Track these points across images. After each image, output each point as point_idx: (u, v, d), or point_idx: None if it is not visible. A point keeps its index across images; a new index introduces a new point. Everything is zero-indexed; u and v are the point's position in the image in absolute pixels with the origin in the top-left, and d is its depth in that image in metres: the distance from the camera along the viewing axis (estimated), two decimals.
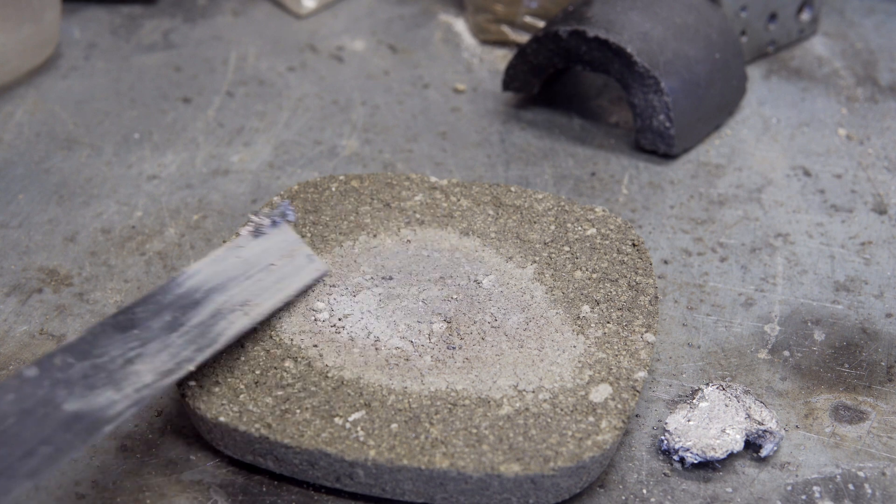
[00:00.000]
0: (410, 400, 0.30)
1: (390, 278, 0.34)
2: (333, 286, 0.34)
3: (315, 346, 0.32)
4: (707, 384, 0.32)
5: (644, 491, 0.31)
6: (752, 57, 0.51)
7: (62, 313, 0.37)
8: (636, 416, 0.33)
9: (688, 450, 0.31)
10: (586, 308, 0.33)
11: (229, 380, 0.31)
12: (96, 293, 0.38)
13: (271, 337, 0.32)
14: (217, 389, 0.30)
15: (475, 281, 0.34)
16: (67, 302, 0.37)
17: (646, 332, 0.32)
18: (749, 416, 0.31)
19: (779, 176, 0.44)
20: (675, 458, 0.31)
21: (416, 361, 0.32)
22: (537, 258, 0.35)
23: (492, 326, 0.33)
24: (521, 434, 0.29)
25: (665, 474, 0.31)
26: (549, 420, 0.29)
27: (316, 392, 0.30)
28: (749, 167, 0.45)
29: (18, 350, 0.35)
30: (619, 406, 0.30)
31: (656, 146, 0.44)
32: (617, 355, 0.32)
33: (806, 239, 0.41)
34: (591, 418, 0.29)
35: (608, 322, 0.33)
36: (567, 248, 0.36)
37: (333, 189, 0.38)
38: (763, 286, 0.39)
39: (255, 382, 0.31)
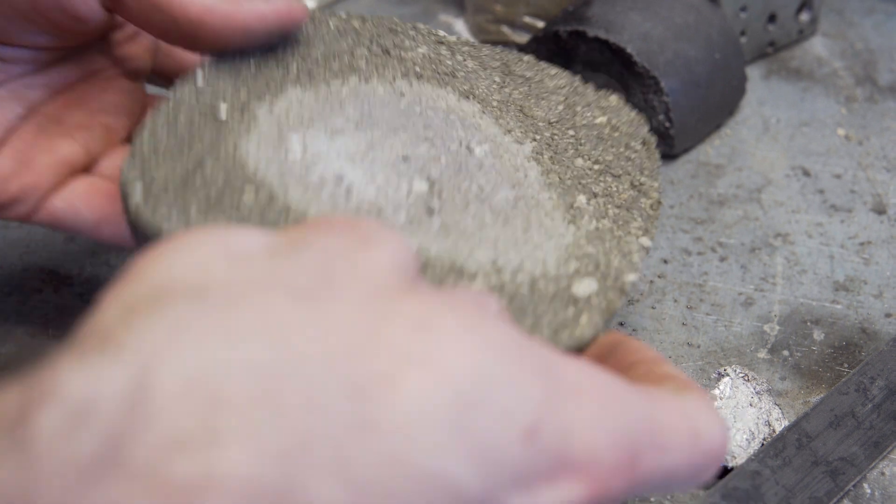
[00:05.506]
0: None
1: (375, 127, 0.30)
2: (313, 123, 0.30)
3: (280, 180, 0.28)
4: (730, 371, 0.32)
5: None
6: (751, 57, 0.51)
7: (62, 313, 0.37)
8: None
9: None
10: (582, 198, 0.30)
11: (182, 197, 0.28)
12: (96, 293, 0.38)
13: (235, 161, 0.28)
14: (165, 199, 0.27)
15: (467, 147, 0.31)
16: (67, 302, 0.37)
17: (642, 235, 0.29)
18: (769, 422, 0.31)
19: (778, 176, 0.44)
20: None
21: (390, 217, 0.28)
22: (538, 136, 0.32)
23: (477, 197, 0.29)
24: None
25: None
26: (524, 303, 0.26)
27: (275, 226, 0.27)
28: (749, 167, 0.45)
29: (18, 350, 0.35)
30: (604, 305, 0.27)
31: (656, 147, 0.44)
32: (608, 253, 0.29)
33: (805, 239, 0.41)
34: (570, 310, 0.26)
35: (603, 217, 0.30)
36: (572, 133, 0.32)
37: (332, 26, 0.33)
38: (763, 286, 0.38)
39: (209, 205, 0.27)
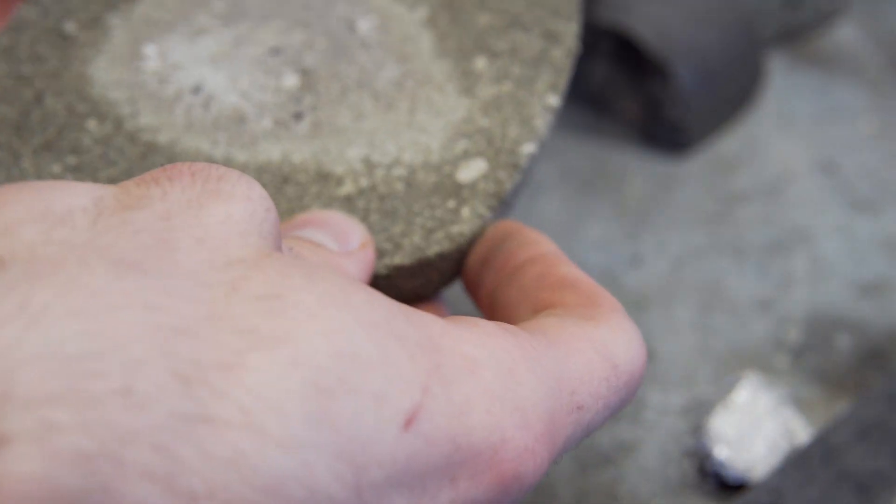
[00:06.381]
0: None
1: (245, 18, 0.27)
2: (173, 26, 0.27)
3: (131, 101, 0.26)
4: (748, 378, 0.31)
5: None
6: (772, 44, 0.49)
7: None
8: (649, 427, 0.31)
9: (728, 464, 0.29)
10: (481, 62, 0.26)
11: (14, 141, 0.25)
12: None
13: (80, 90, 0.26)
14: None
15: (350, 25, 0.27)
16: None
17: (548, 92, 0.26)
18: (790, 434, 0.29)
19: (800, 170, 0.42)
20: (711, 465, 0.29)
21: (252, 124, 0.25)
22: None
23: (357, 83, 0.26)
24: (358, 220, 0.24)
25: (679, 488, 0.29)
26: (397, 204, 0.24)
27: (116, 160, 0.25)
28: (768, 161, 0.43)
29: None
30: (491, 188, 0.24)
31: (668, 139, 0.43)
32: (504, 123, 0.25)
33: (829, 238, 0.39)
34: (451, 203, 0.23)
35: (505, 79, 0.26)
36: None
37: None
38: (782, 288, 0.37)
39: (45, 146, 0.24)
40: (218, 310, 0.13)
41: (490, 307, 0.22)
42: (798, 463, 0.29)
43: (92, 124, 0.25)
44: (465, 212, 0.23)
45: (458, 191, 0.24)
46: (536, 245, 0.21)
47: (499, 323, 0.17)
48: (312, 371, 0.13)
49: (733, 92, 0.44)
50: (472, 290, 0.23)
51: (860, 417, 0.30)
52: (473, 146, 0.25)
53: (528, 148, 0.24)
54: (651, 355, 0.34)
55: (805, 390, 0.33)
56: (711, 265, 0.38)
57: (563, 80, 0.26)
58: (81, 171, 0.24)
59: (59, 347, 0.12)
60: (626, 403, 0.18)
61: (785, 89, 0.47)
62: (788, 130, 0.45)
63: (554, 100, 0.26)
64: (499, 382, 0.15)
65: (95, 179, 0.24)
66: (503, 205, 0.24)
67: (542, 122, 0.25)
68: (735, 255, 0.38)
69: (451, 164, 0.24)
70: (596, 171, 0.42)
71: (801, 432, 0.30)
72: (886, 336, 0.35)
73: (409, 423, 0.14)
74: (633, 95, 0.46)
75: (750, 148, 0.44)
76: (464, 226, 0.23)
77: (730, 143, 0.44)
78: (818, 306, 0.36)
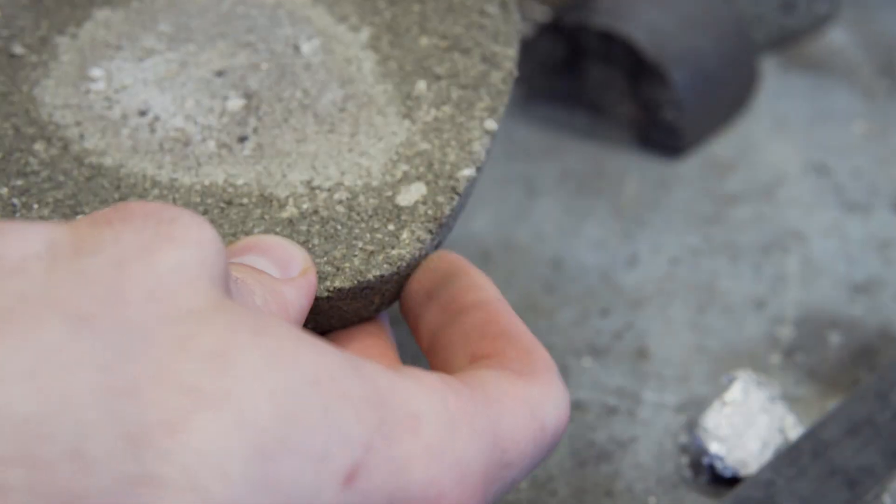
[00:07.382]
0: (176, 196, 0.25)
1: (191, 41, 0.28)
2: (120, 48, 0.28)
3: (78, 124, 0.26)
4: (742, 376, 0.31)
5: (653, 500, 0.29)
6: (765, 48, 0.49)
7: None
8: (644, 424, 0.32)
9: (721, 459, 0.29)
10: (422, 85, 0.27)
11: None
12: None
13: (28, 112, 0.26)
14: None
15: (294, 46, 0.28)
16: None
17: (488, 117, 0.26)
18: (782, 430, 0.30)
19: (793, 172, 0.43)
20: (706, 460, 0.30)
21: (197, 147, 0.26)
22: (377, 19, 0.29)
23: (301, 105, 0.27)
24: (300, 244, 0.24)
25: (674, 484, 0.30)
26: (338, 227, 0.24)
27: (64, 183, 0.25)
28: (762, 163, 0.43)
29: None
30: (430, 212, 0.24)
31: (664, 142, 0.43)
32: (444, 146, 0.26)
33: (821, 238, 0.39)
34: (391, 226, 0.24)
35: (445, 103, 0.27)
36: (418, 8, 0.29)
37: None
38: (776, 287, 0.37)
39: None
40: (166, 368, 0.13)
41: (430, 344, 0.23)
42: (789, 457, 0.29)
43: (39, 147, 0.25)
44: (405, 235, 0.24)
45: (398, 214, 0.24)
46: (483, 290, 0.22)
47: (441, 376, 0.17)
48: (255, 432, 0.13)
49: (728, 95, 0.44)
50: (411, 319, 0.24)
51: (850, 414, 0.31)
52: (413, 170, 0.25)
53: (466, 172, 0.25)
54: (646, 354, 0.35)
55: (797, 388, 0.33)
56: (706, 265, 0.38)
57: (502, 104, 0.27)
58: (28, 194, 0.24)
59: (11, 409, 0.12)
60: (544, 460, 0.19)
61: (778, 92, 0.48)
62: (782, 133, 0.45)
63: (491, 125, 0.26)
64: (439, 438, 0.16)
65: (42, 201, 0.24)
66: (442, 228, 0.24)
67: (479, 147, 0.26)
68: (729, 256, 0.39)
69: (391, 187, 0.25)
70: (593, 173, 0.43)
71: (793, 429, 0.31)
72: (877, 334, 0.35)
73: (348, 480, 0.14)
74: (629, 99, 0.47)
75: (744, 150, 0.44)
76: (403, 250, 0.24)
77: (724, 146, 0.44)
78: (811, 305, 0.36)
